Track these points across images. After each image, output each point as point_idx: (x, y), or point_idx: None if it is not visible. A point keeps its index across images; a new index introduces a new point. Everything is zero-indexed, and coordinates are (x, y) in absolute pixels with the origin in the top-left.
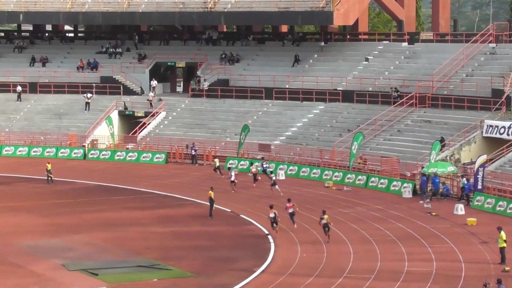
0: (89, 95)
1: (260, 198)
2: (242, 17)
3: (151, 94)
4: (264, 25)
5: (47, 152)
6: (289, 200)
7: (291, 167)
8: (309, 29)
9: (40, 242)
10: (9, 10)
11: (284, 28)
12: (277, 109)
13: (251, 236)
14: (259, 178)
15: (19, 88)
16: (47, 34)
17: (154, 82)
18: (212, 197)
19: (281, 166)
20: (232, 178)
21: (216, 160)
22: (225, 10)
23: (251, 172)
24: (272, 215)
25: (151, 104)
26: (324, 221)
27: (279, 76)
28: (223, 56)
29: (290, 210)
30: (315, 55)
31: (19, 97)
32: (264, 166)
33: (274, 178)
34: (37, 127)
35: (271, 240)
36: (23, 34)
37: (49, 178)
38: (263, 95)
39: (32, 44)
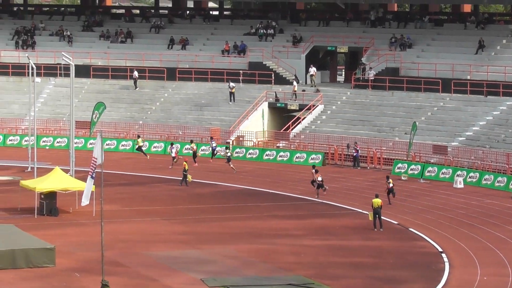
0: (232, 84)
1: (432, 209)
2: None
3: (309, 82)
4: (443, 4)
5: (186, 149)
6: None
7: (471, 174)
8: (496, 9)
9: (176, 252)
10: None
11: (467, 8)
12: (455, 105)
13: (421, 253)
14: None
15: (135, 74)
16: (188, 12)
17: (313, 69)
18: (378, 206)
19: (458, 172)
20: (173, 155)
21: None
22: None
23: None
24: (320, 178)
25: (295, 95)
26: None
27: (459, 65)
28: (393, 40)
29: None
30: (504, 41)
31: (135, 84)
32: (213, 145)
33: (229, 154)
34: (175, 120)
35: (446, 259)
36: (160, 11)
37: (185, 179)
38: (439, 88)
39: (170, 23)
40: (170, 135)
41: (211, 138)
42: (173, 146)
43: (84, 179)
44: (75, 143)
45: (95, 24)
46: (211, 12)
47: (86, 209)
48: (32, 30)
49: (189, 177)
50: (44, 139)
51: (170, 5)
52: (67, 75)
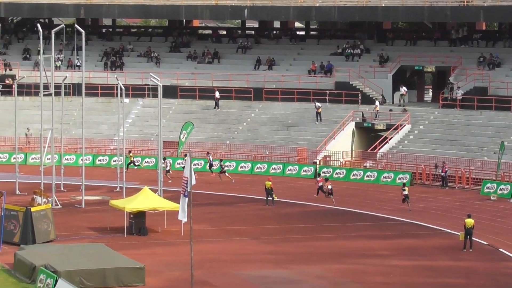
0: (318, 104)
1: None
2: (506, 13)
3: (397, 102)
4: None
5: (272, 168)
6: (319, 175)
7: None
8: None
9: (264, 272)
10: (233, 4)
11: None
12: None
13: None
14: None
15: (217, 94)
16: (274, 32)
17: (404, 89)
18: (470, 226)
19: None
20: (167, 168)
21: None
22: (485, 5)
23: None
24: (330, 187)
25: (376, 114)
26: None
27: None
28: (481, 59)
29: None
30: None
31: (216, 104)
32: (211, 160)
33: (225, 168)
34: (262, 140)
35: None
36: (247, 32)
37: (270, 198)
38: None
39: (257, 43)
40: (257, 155)
41: (208, 153)
42: (166, 160)
43: (172, 199)
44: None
45: (182, 45)
46: (297, 32)
47: (174, 228)
48: (120, 51)
49: (275, 197)
50: (132, 159)
51: (256, 25)
52: (155, 95)
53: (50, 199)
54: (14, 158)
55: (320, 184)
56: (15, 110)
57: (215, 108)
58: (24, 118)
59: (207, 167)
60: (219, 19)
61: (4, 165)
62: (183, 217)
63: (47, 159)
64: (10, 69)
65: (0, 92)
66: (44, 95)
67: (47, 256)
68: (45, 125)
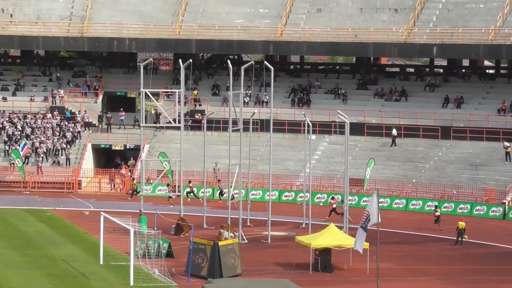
0: (506, 144)
1: None
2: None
3: None
4: None
5: (460, 208)
6: (332, 198)
7: None
8: None
9: None
10: (421, 42)
11: None
12: None
13: None
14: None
15: (394, 132)
16: (463, 71)
17: None
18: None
19: None
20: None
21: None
22: None
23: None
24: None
25: None
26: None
27: None
28: None
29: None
30: None
31: (393, 141)
32: (221, 187)
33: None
34: (449, 179)
35: None
36: (435, 70)
37: (460, 239)
38: None
39: (445, 81)
40: (443, 194)
41: (219, 180)
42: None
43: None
44: (349, 200)
45: (369, 82)
46: (487, 71)
47: (360, 266)
48: (307, 88)
49: (465, 237)
50: (318, 195)
51: (445, 63)
52: (341, 132)
53: (236, 234)
54: (202, 192)
55: (334, 206)
56: (204, 145)
57: (391, 145)
58: (212, 153)
59: (217, 194)
60: (407, 57)
61: (193, 199)
62: (359, 248)
63: (235, 194)
64: (200, 105)
65: (189, 127)
66: (232, 130)
67: None
68: (233, 160)
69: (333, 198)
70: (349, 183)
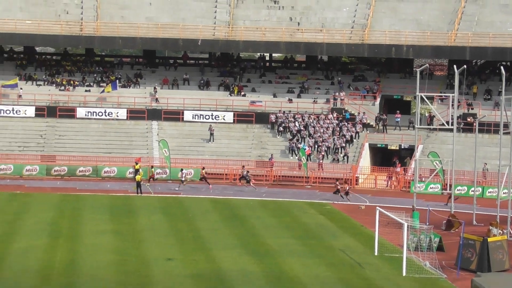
0: None
1: None
2: None
3: None
4: None
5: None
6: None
7: None
8: None
9: None
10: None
11: None
12: None
13: None
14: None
15: None
16: None
17: None
18: None
19: None
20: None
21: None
22: None
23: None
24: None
25: None
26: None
27: None
28: None
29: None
30: None
31: None
32: (245, 173)
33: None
34: None
35: None
36: None
37: None
38: None
39: None
40: None
41: (243, 166)
42: (183, 171)
43: None
44: None
45: None
46: None
47: None
48: None
49: None
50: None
51: None
52: None
53: (505, 231)
54: (472, 191)
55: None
56: (475, 146)
57: None
58: (482, 154)
59: (238, 178)
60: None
61: (463, 197)
62: None
63: (503, 193)
64: (472, 108)
65: (461, 129)
66: (503, 133)
67: (501, 284)
68: (503, 161)
69: (337, 180)
70: None
